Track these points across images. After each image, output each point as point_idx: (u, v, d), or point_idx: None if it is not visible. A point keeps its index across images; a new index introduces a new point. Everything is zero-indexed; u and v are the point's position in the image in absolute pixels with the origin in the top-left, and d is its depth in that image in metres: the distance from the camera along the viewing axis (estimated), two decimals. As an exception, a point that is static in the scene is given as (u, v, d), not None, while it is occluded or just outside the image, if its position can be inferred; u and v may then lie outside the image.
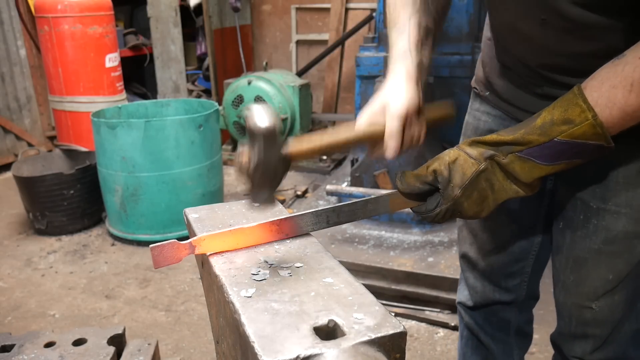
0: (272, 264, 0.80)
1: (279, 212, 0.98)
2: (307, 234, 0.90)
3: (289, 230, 0.88)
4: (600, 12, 0.80)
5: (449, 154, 0.89)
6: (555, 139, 0.82)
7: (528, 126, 0.85)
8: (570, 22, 0.83)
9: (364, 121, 0.92)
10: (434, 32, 1.02)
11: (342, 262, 0.83)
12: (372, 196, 0.93)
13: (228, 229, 0.85)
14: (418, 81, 0.95)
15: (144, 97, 5.46)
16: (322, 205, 2.93)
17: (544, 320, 2.28)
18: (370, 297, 0.71)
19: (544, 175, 0.87)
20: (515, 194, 0.89)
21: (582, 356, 1.10)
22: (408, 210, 0.97)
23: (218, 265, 0.81)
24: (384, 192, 0.95)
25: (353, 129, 0.91)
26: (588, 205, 1.00)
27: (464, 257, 1.33)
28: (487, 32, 1.12)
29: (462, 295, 1.39)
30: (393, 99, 0.91)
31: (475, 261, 1.29)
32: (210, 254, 0.84)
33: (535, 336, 2.19)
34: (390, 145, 0.90)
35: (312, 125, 4.62)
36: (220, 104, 4.36)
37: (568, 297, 1.09)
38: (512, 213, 1.19)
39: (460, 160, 0.88)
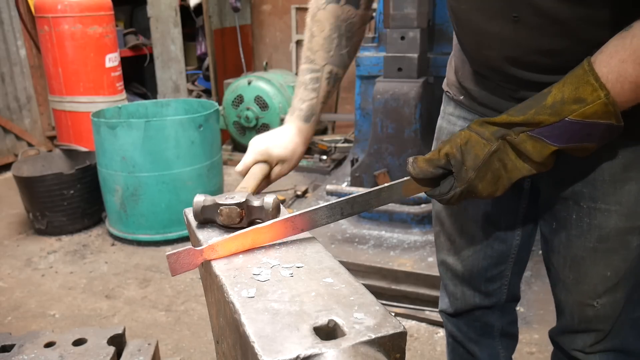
0: (272, 264, 0.80)
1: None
2: (308, 235, 0.90)
3: (303, 225, 0.87)
4: (574, 3, 0.79)
5: (460, 136, 0.88)
6: (566, 119, 0.80)
7: (538, 105, 0.83)
8: (544, 17, 0.82)
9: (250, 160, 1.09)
10: (342, 76, 1.17)
11: (342, 262, 0.83)
12: (385, 185, 0.91)
13: (243, 231, 0.84)
14: (307, 138, 1.14)
15: (144, 97, 5.46)
16: (322, 205, 2.92)
17: (544, 320, 2.28)
18: (370, 297, 0.71)
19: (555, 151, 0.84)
20: (528, 172, 0.87)
21: (583, 349, 1.10)
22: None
23: (218, 265, 0.80)
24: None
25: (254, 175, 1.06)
26: (579, 205, 0.99)
27: (442, 264, 1.32)
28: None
29: (443, 303, 1.38)
30: (276, 147, 1.09)
31: (454, 267, 1.28)
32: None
33: (535, 336, 2.21)
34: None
35: (312, 125, 4.61)
36: (220, 104, 4.37)
37: (569, 295, 1.09)
38: (489, 216, 1.18)
39: (472, 141, 0.86)
